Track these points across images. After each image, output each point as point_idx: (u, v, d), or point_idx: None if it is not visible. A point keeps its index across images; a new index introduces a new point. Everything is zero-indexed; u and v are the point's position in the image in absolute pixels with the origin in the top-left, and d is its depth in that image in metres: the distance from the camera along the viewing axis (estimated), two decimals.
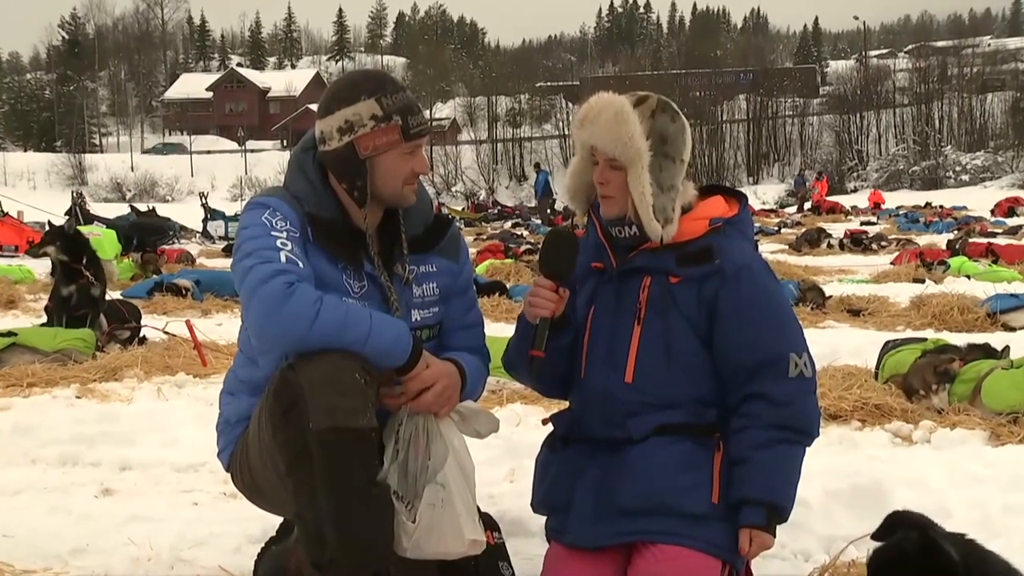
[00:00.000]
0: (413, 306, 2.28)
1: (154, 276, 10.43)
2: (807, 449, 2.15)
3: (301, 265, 2.07)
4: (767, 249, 15.20)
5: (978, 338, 5.34)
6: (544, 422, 2.41)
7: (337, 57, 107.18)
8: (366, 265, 2.22)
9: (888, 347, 4.92)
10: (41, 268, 10.16)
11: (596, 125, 2.18)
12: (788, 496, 2.09)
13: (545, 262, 2.25)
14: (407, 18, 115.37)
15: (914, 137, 59.14)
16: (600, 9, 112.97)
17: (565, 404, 2.38)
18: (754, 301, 2.14)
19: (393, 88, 2.21)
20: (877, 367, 4.83)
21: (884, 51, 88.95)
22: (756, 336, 2.12)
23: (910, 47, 79.40)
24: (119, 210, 26.08)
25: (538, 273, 2.27)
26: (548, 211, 28.13)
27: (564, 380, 2.33)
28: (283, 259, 2.04)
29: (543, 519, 2.33)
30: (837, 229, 18.57)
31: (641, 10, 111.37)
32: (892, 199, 36.33)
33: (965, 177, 49.55)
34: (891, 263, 11.96)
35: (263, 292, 1.99)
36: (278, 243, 2.08)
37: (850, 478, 3.07)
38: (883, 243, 15.21)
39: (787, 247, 15.83)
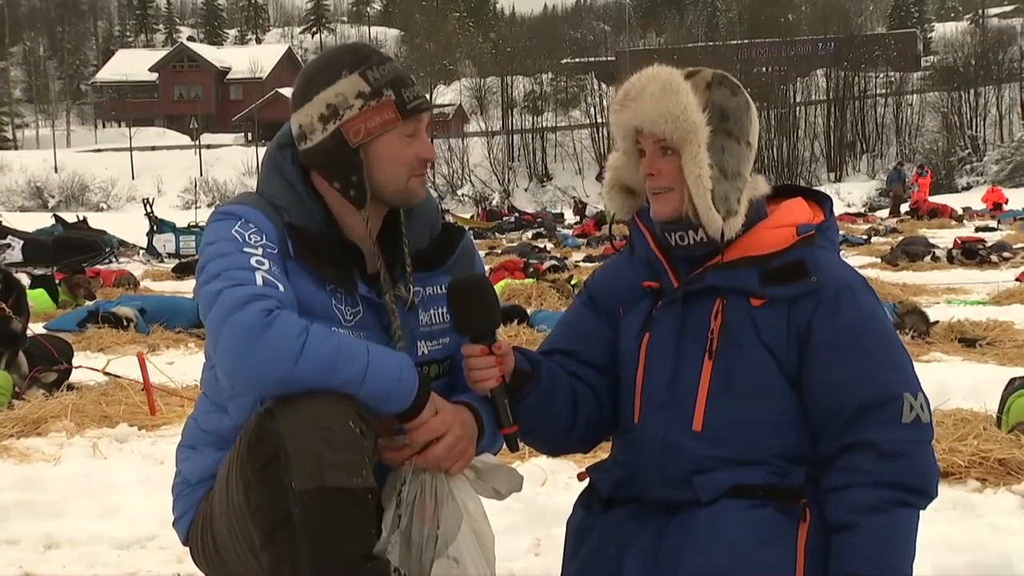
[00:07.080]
0: (418, 336, 2.31)
1: (87, 303, 10.52)
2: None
3: (281, 288, 2.11)
4: (853, 263, 15.05)
5: None
6: (580, 477, 2.42)
7: (313, 29, 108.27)
8: (360, 286, 2.25)
9: (1015, 386, 4.89)
10: None
11: (640, 102, 2.21)
12: (906, 573, 2.09)
13: (461, 327, 2.27)
14: None
15: None
16: None
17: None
18: (859, 328, 2.16)
19: (379, 59, 2.28)
20: (1000, 411, 4.81)
21: (1008, 8, 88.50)
22: (862, 371, 2.13)
23: None
24: (40, 221, 26.34)
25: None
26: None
27: (570, 433, 2.35)
28: (259, 281, 2.08)
29: None
30: (944, 237, 18.49)
31: None
32: (1017, 198, 36.06)
33: None
34: (1016, 279, 11.92)
35: (235, 322, 2.02)
36: (253, 261, 2.12)
37: (968, 553, 3.06)
38: (1005, 254, 15.13)
39: (879, 260, 15.78)
